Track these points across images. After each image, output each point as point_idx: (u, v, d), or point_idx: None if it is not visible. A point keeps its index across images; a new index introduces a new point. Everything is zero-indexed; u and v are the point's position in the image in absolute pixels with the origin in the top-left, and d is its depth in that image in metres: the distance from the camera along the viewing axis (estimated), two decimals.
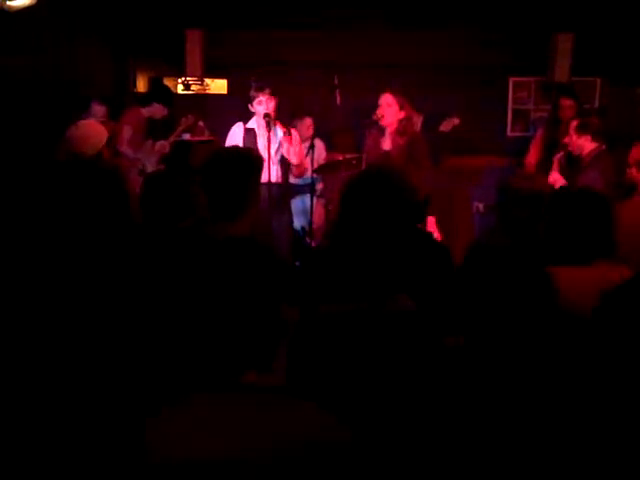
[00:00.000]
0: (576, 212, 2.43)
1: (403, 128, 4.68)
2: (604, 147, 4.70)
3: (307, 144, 5.58)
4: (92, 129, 3.75)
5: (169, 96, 6.07)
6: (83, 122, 4.07)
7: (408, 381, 1.81)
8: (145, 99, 5.94)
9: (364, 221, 2.01)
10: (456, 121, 6.04)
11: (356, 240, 2.00)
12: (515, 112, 7.53)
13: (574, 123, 4.76)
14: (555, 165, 4.85)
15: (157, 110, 5.81)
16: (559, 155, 4.87)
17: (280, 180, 4.99)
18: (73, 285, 2.24)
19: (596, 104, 7.29)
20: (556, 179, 4.71)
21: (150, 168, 5.50)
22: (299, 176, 5.34)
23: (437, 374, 1.84)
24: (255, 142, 4.90)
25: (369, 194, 2.07)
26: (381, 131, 4.78)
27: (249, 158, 2.72)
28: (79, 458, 1.78)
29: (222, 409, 1.29)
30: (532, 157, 5.64)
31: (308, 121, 6.33)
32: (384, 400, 1.80)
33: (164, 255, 2.47)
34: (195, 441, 1.25)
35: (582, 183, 4.45)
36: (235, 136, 4.97)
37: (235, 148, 4.06)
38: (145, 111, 5.79)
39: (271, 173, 4.73)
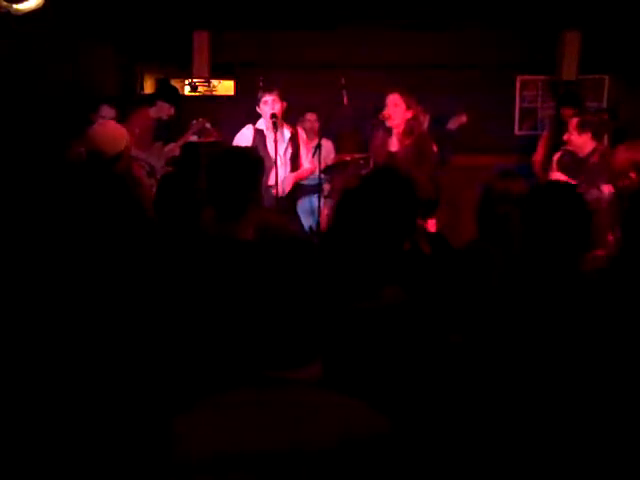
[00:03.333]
0: (555, 207, 2.38)
1: (410, 128, 4.67)
2: (604, 145, 4.67)
3: (313, 143, 5.58)
4: (113, 129, 3.79)
5: (175, 95, 6.06)
6: (106, 122, 4.13)
7: (412, 375, 1.81)
8: (151, 99, 5.95)
9: (362, 219, 2.02)
10: (464, 119, 6.02)
11: (352, 237, 2.00)
12: (523, 110, 7.51)
13: (574, 121, 4.72)
14: (554, 165, 4.79)
15: (163, 109, 5.81)
16: (558, 155, 4.82)
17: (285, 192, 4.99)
18: (86, 284, 2.26)
19: (604, 102, 7.26)
20: (559, 179, 4.65)
21: (158, 170, 5.51)
22: (302, 179, 5.29)
23: (436, 368, 1.85)
24: (265, 143, 4.90)
25: (372, 195, 2.08)
26: (388, 131, 4.77)
27: (251, 158, 2.72)
28: (103, 455, 1.79)
29: (259, 405, 1.28)
30: (539, 156, 5.62)
31: (311, 116, 6.31)
32: (395, 396, 1.80)
33: (179, 255, 2.49)
34: (226, 435, 1.24)
35: (594, 181, 4.42)
36: (244, 138, 4.96)
37: (237, 148, 4.07)
38: (152, 112, 5.79)
39: (279, 175, 4.74)
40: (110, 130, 3.73)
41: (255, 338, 1.33)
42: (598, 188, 4.38)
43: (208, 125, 6.10)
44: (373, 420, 1.30)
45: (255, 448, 1.21)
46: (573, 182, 4.57)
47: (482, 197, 2.87)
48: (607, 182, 4.37)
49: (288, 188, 4.97)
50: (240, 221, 2.53)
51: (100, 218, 2.70)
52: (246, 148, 4.17)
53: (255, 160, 2.76)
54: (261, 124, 5.00)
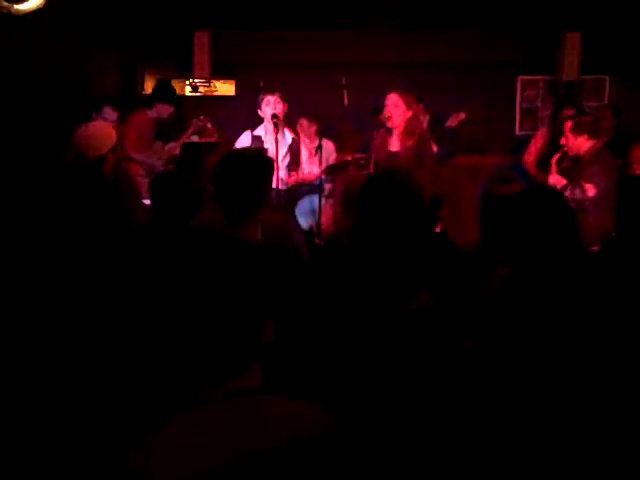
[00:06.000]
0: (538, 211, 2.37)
1: (411, 128, 4.66)
2: (601, 144, 4.69)
3: (314, 145, 5.58)
4: (97, 131, 3.67)
5: (174, 95, 6.00)
6: (91, 124, 4.01)
7: (426, 380, 1.81)
8: (150, 99, 5.91)
9: (380, 224, 2.02)
10: (462, 116, 5.98)
11: (374, 242, 2.01)
12: (523, 111, 7.51)
13: (569, 124, 4.75)
14: (553, 167, 4.82)
15: (163, 110, 5.78)
16: (557, 157, 4.85)
17: (285, 186, 4.99)
18: (67, 287, 2.24)
19: (605, 102, 7.25)
20: (557, 180, 4.70)
21: (159, 169, 5.49)
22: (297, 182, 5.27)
23: (454, 374, 1.85)
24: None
25: (385, 197, 2.08)
26: (389, 132, 4.77)
27: (261, 160, 2.72)
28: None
29: (208, 422, 1.24)
30: (531, 156, 5.59)
31: (304, 121, 6.30)
32: (401, 398, 1.80)
33: (170, 255, 2.47)
34: (182, 460, 1.20)
35: (583, 179, 4.50)
36: (242, 144, 4.98)
37: (247, 150, 4.07)
38: (151, 112, 5.77)
39: (278, 178, 4.73)
40: (92, 133, 3.62)
41: (188, 355, 1.27)
42: (581, 188, 4.45)
43: (209, 125, 6.09)
44: (322, 420, 1.27)
45: (213, 465, 1.18)
46: (567, 183, 4.64)
47: (482, 203, 2.87)
48: (597, 177, 4.43)
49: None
50: (249, 222, 2.53)
51: (75, 219, 2.69)
52: (258, 149, 4.17)
53: (267, 161, 2.76)
54: (259, 130, 5.00)
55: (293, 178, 5.12)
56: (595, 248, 3.46)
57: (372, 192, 2.12)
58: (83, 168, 3.46)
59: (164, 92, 5.97)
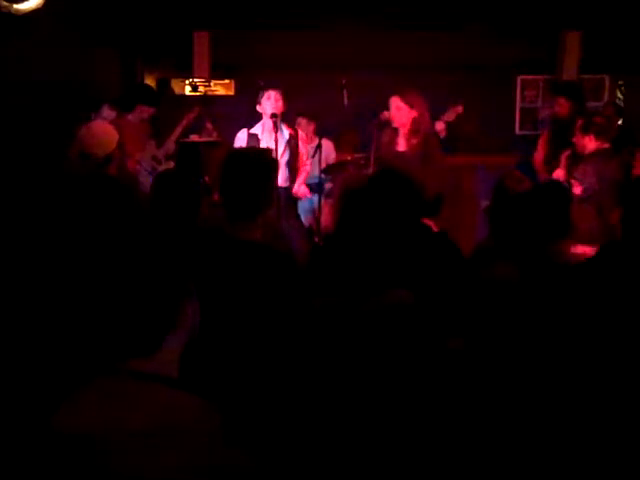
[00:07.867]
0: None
1: (417, 126, 4.65)
2: (607, 145, 4.70)
3: (313, 144, 5.58)
4: (102, 130, 3.69)
5: (152, 95, 5.83)
6: (95, 123, 4.02)
7: (400, 375, 1.82)
8: (130, 102, 5.63)
9: (367, 219, 2.02)
10: (459, 109, 5.97)
11: (358, 237, 2.01)
12: (523, 110, 7.52)
13: (579, 122, 4.78)
14: (562, 163, 4.87)
15: (143, 112, 5.58)
16: (567, 153, 4.88)
17: (287, 184, 4.98)
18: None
19: (605, 101, 7.26)
20: (558, 175, 4.78)
21: (154, 168, 5.43)
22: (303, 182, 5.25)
23: (433, 370, 1.85)
24: (258, 147, 4.88)
25: (373, 195, 2.09)
26: (395, 131, 4.76)
27: (265, 160, 2.72)
28: None
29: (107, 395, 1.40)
30: (539, 155, 5.64)
31: (302, 120, 6.31)
32: (374, 393, 1.81)
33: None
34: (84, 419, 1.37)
35: (575, 176, 4.55)
36: (239, 142, 4.97)
37: (252, 149, 4.07)
38: (132, 116, 5.55)
39: (278, 176, 4.72)
40: (98, 132, 3.61)
41: (105, 330, 1.41)
42: (568, 185, 4.51)
43: (209, 125, 6.06)
44: (197, 413, 1.40)
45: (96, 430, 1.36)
46: (566, 178, 4.69)
47: (494, 199, 2.87)
48: (589, 177, 4.46)
49: (304, 194, 5.13)
50: (251, 222, 2.53)
51: (98, 219, 2.71)
52: (262, 149, 4.17)
53: (271, 162, 2.77)
54: (256, 128, 4.99)
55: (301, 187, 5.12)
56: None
57: (360, 191, 2.13)
58: (93, 167, 3.48)
59: (146, 95, 5.78)
